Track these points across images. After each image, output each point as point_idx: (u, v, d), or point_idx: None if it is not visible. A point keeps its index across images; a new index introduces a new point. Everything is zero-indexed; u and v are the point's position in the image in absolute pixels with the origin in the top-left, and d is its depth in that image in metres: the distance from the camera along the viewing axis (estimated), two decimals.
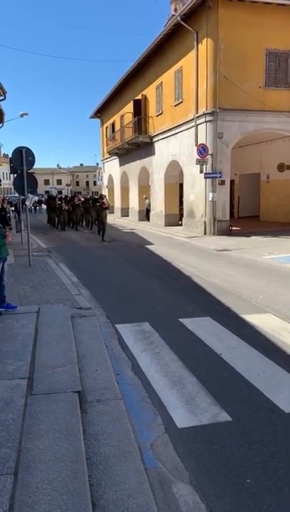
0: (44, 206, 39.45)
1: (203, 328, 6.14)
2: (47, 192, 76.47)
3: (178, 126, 19.82)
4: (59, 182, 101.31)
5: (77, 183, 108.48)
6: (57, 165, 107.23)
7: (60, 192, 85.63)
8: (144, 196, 26.31)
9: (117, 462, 3.02)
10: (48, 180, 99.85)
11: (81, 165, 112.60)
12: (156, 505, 2.68)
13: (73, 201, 23.28)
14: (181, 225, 20.99)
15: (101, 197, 20.00)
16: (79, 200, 23.85)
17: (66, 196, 29.46)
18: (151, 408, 4.01)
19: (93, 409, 3.73)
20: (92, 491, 2.68)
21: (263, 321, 6.36)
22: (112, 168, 33.68)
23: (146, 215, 25.98)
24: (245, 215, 25.15)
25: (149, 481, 2.92)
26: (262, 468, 3.14)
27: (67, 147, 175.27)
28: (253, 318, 6.50)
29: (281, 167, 21.69)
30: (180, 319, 6.51)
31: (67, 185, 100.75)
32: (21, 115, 28.29)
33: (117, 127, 30.39)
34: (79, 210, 22.98)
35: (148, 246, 15.29)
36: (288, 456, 3.27)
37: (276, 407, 3.95)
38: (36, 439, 3.06)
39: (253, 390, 4.28)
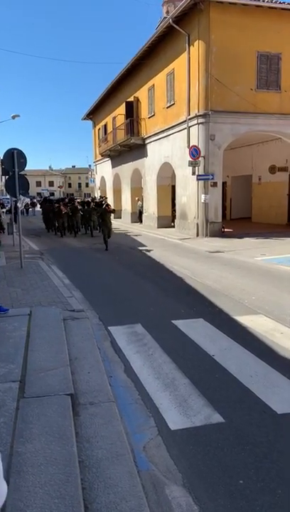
0: (37, 208, 38.95)
1: (196, 329, 6.14)
2: (39, 194, 76.15)
3: (170, 128, 19.87)
4: (51, 184, 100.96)
5: (70, 185, 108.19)
6: (49, 167, 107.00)
7: (52, 194, 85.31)
8: (137, 198, 26.31)
9: (110, 465, 3.00)
10: (40, 182, 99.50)
11: (73, 167, 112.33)
12: (149, 508, 2.67)
13: (73, 204, 21.15)
14: (174, 226, 21.02)
15: (105, 199, 18.67)
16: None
17: (64, 198, 26.54)
18: (144, 410, 4.00)
19: (86, 411, 3.71)
20: (85, 494, 2.66)
21: (255, 323, 6.38)
22: (104, 169, 33.66)
23: (138, 216, 25.97)
24: (237, 216, 25.25)
25: (142, 484, 2.91)
26: (255, 469, 3.15)
27: (59, 149, 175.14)
28: (245, 320, 6.51)
29: (273, 169, 21.82)
30: (172, 321, 6.50)
31: (60, 187, 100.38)
32: (13, 117, 28.18)
33: (109, 129, 30.38)
34: (78, 215, 20.81)
35: (140, 248, 15.29)
36: (281, 456, 3.28)
37: (269, 408, 3.96)
38: (28, 443, 3.04)
39: (245, 392, 4.28)
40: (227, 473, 3.11)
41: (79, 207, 20.89)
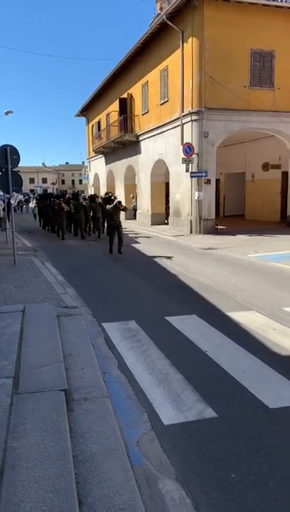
0: (31, 205, 38.52)
1: (189, 325, 6.17)
2: (32, 190, 75.78)
3: (164, 125, 19.88)
4: (44, 180, 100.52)
5: (63, 182, 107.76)
6: (43, 163, 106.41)
7: (45, 190, 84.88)
8: (131, 195, 26.30)
9: (104, 459, 3.03)
10: (33, 178, 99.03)
11: (66, 163, 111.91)
12: (143, 502, 2.70)
13: (77, 200, 18.29)
14: (167, 223, 21.06)
15: (113, 195, 16.03)
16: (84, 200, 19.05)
17: (64, 194, 24.47)
18: (138, 406, 4.02)
19: (79, 407, 3.73)
20: (79, 488, 2.68)
21: (248, 319, 6.42)
22: (98, 166, 33.60)
23: (133, 213, 25.98)
24: (231, 213, 25.34)
25: (135, 478, 2.93)
26: (247, 463, 3.18)
27: (53, 145, 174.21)
28: (238, 316, 6.56)
29: (266, 166, 21.91)
30: (166, 317, 6.53)
31: (53, 183, 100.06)
32: (6, 113, 28.05)
33: (103, 126, 30.33)
34: (83, 213, 18.04)
35: (134, 245, 15.31)
36: (273, 450, 3.32)
37: (261, 403, 4.00)
38: (22, 438, 3.05)
39: (238, 387, 4.32)
40: (219, 467, 3.14)
41: (84, 203, 18.17)
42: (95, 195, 21.60)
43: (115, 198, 13.59)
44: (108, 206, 12.91)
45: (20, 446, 2.96)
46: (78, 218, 17.80)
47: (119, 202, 12.91)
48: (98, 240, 17.05)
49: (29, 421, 3.27)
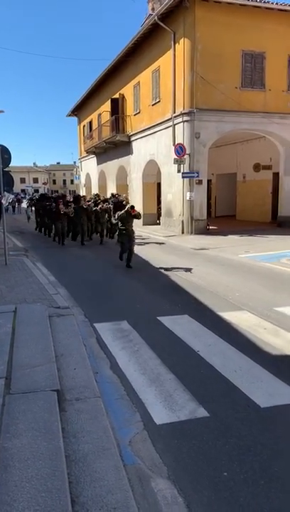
0: (24, 205, 37.87)
1: (181, 325, 6.20)
2: (23, 190, 75.36)
3: (156, 125, 19.90)
4: (35, 180, 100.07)
5: (54, 182, 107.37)
6: (34, 163, 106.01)
7: (36, 190, 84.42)
8: (123, 195, 26.28)
9: (96, 459, 3.04)
10: (24, 178, 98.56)
11: (58, 163, 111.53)
12: (135, 501, 2.71)
13: (78, 203, 16.09)
14: (159, 224, 21.09)
15: (125, 198, 15.78)
16: (86, 202, 16.48)
17: (64, 195, 20.68)
18: (130, 405, 4.04)
19: (72, 407, 3.73)
20: (71, 488, 2.69)
21: (239, 319, 6.46)
22: (90, 166, 33.55)
23: None
24: (222, 214, 25.43)
25: (128, 477, 2.95)
26: (238, 461, 3.21)
27: (44, 145, 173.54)
28: (230, 316, 6.60)
29: (257, 167, 22.03)
30: (158, 317, 6.55)
31: (44, 183, 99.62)
32: None
33: (95, 126, 30.27)
34: (85, 217, 15.88)
35: None
36: (264, 449, 3.35)
37: (253, 402, 4.03)
38: (15, 438, 3.05)
39: (230, 386, 4.35)
40: (211, 466, 3.17)
41: (85, 206, 15.97)
42: (79, 196, 18.68)
43: (127, 202, 11.96)
44: (119, 213, 11.12)
45: (12, 446, 2.96)
46: (78, 223, 15.79)
47: (132, 207, 11.03)
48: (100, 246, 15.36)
49: (21, 421, 3.27)
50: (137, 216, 10.94)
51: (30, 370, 4.20)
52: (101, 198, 17.33)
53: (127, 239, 10.81)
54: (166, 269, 10.46)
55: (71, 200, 17.76)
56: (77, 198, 17.15)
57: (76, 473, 2.86)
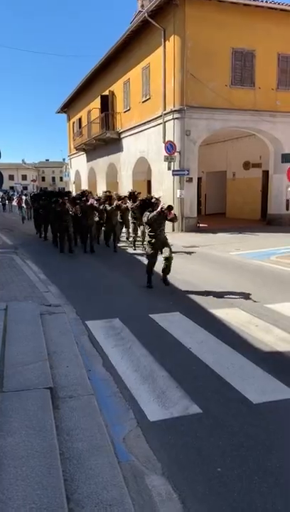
0: (14, 203, 37.12)
1: (173, 323, 6.21)
2: (12, 188, 74.78)
3: (146, 122, 19.88)
4: (24, 177, 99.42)
5: (43, 179, 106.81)
6: (23, 160, 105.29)
7: (25, 188, 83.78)
8: (114, 193, 26.21)
9: (90, 456, 3.04)
10: (13, 175, 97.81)
11: (47, 160, 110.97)
12: (130, 497, 2.72)
13: (85, 202, 12.83)
14: None
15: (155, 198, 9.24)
16: (95, 201, 13.31)
17: (68, 192, 17.00)
18: (123, 403, 4.04)
19: (65, 405, 3.72)
20: (66, 485, 2.68)
21: (230, 316, 6.50)
22: (79, 163, 33.41)
23: None
24: (212, 212, 25.51)
25: (123, 474, 2.95)
26: (232, 457, 3.23)
27: (33, 142, 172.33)
28: (221, 313, 6.63)
29: (247, 165, 22.14)
30: (150, 315, 6.56)
31: (33, 180, 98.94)
32: None
33: (84, 123, 30.15)
34: (93, 218, 13.15)
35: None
36: (257, 444, 3.37)
37: (245, 398, 4.06)
38: (8, 436, 3.04)
39: (222, 383, 4.38)
40: (205, 462, 3.19)
41: (96, 204, 12.91)
42: (87, 191, 15.08)
43: (158, 200, 8.65)
44: (150, 214, 8.06)
45: (6, 444, 2.94)
46: (87, 225, 12.87)
47: (169, 207, 8.07)
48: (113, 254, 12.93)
49: (15, 419, 3.26)
50: (173, 219, 8.39)
51: (22, 368, 4.18)
52: (114, 195, 14.39)
53: (159, 249, 8.26)
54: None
55: (76, 196, 14.57)
56: (85, 195, 13.88)
57: (71, 471, 2.86)
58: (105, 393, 4.21)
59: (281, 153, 17.89)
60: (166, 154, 17.16)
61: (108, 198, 13.61)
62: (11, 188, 75.48)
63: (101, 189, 27.45)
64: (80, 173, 33.68)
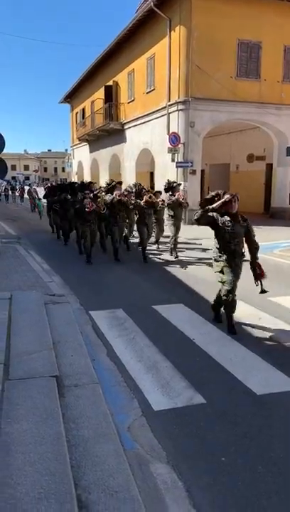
0: (18, 193, 36.62)
1: (176, 314, 6.24)
2: (14, 178, 74.62)
3: (150, 113, 19.77)
4: (26, 168, 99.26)
5: (45, 169, 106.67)
6: (25, 150, 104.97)
7: (27, 178, 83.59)
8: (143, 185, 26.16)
9: (96, 444, 3.07)
10: (15, 165, 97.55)
11: (49, 150, 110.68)
12: (136, 484, 2.75)
13: (114, 200, 9.85)
14: None
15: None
16: (127, 195, 10.43)
17: (89, 184, 12.95)
18: (128, 392, 4.07)
19: (70, 393, 3.76)
20: (73, 472, 2.72)
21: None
22: (82, 154, 33.29)
23: None
24: None
25: (128, 462, 2.99)
26: (236, 447, 3.27)
27: (35, 132, 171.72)
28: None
29: (251, 158, 22.04)
30: (153, 306, 6.58)
31: (35, 171, 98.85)
32: None
33: (88, 113, 29.98)
34: (123, 217, 10.46)
35: None
36: (260, 435, 3.41)
37: (248, 389, 4.09)
38: (15, 423, 3.07)
39: (226, 374, 4.40)
40: (209, 451, 3.22)
41: (124, 198, 9.99)
42: (114, 182, 11.13)
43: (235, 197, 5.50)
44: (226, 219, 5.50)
45: (13, 431, 2.98)
46: (112, 226, 10.26)
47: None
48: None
49: (22, 406, 3.29)
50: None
51: (28, 357, 4.21)
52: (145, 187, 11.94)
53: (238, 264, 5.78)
54: (160, 259, 10.47)
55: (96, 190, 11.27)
56: (113, 187, 10.56)
57: (77, 458, 2.89)
58: (110, 382, 4.24)
59: (286, 146, 17.84)
60: (170, 146, 17.09)
61: (140, 191, 10.91)
62: (13, 178, 75.29)
63: (104, 180, 27.40)
64: (83, 164, 33.57)
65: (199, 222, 5.66)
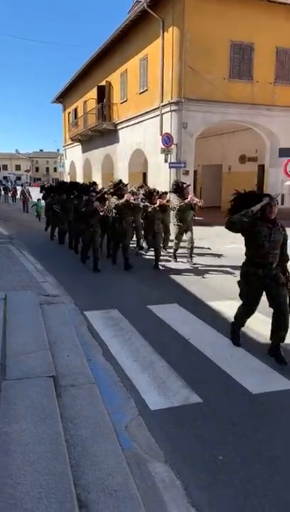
0: (19, 194, 36.03)
1: (171, 314, 6.26)
2: (5, 178, 74.24)
3: (143, 114, 19.79)
4: (18, 168, 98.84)
5: (37, 169, 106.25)
6: (16, 150, 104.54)
7: (18, 178, 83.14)
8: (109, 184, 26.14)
9: (94, 443, 3.08)
10: (6, 165, 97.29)
11: (41, 150, 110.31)
12: (134, 483, 2.77)
13: (121, 197, 9.26)
14: None
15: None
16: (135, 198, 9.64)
17: (92, 184, 12.54)
18: (124, 392, 4.08)
19: (67, 393, 3.76)
20: (72, 471, 2.72)
21: (228, 308, 6.51)
22: (74, 154, 33.22)
23: None
24: (207, 205, 25.38)
25: (126, 461, 3.00)
26: (233, 445, 3.30)
27: (26, 132, 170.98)
28: (219, 305, 6.68)
29: (243, 159, 22.13)
30: (148, 306, 6.60)
31: (26, 171, 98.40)
32: None
33: (80, 113, 29.93)
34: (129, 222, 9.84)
35: None
36: (257, 434, 3.44)
37: (244, 388, 4.12)
38: (13, 423, 3.07)
39: (221, 373, 4.43)
40: (206, 450, 3.24)
41: (133, 200, 9.31)
42: (122, 182, 10.12)
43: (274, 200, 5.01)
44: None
45: (12, 430, 2.98)
46: (123, 230, 9.48)
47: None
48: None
49: (19, 406, 3.29)
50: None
51: (24, 357, 4.21)
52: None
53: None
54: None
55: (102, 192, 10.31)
56: (121, 188, 9.70)
57: (76, 457, 2.90)
58: (106, 382, 4.24)
59: (277, 147, 17.90)
60: (163, 146, 17.12)
61: (150, 193, 9.99)
62: (4, 178, 74.89)
63: (96, 180, 27.30)
64: (75, 164, 33.50)
65: (233, 228, 4.99)
